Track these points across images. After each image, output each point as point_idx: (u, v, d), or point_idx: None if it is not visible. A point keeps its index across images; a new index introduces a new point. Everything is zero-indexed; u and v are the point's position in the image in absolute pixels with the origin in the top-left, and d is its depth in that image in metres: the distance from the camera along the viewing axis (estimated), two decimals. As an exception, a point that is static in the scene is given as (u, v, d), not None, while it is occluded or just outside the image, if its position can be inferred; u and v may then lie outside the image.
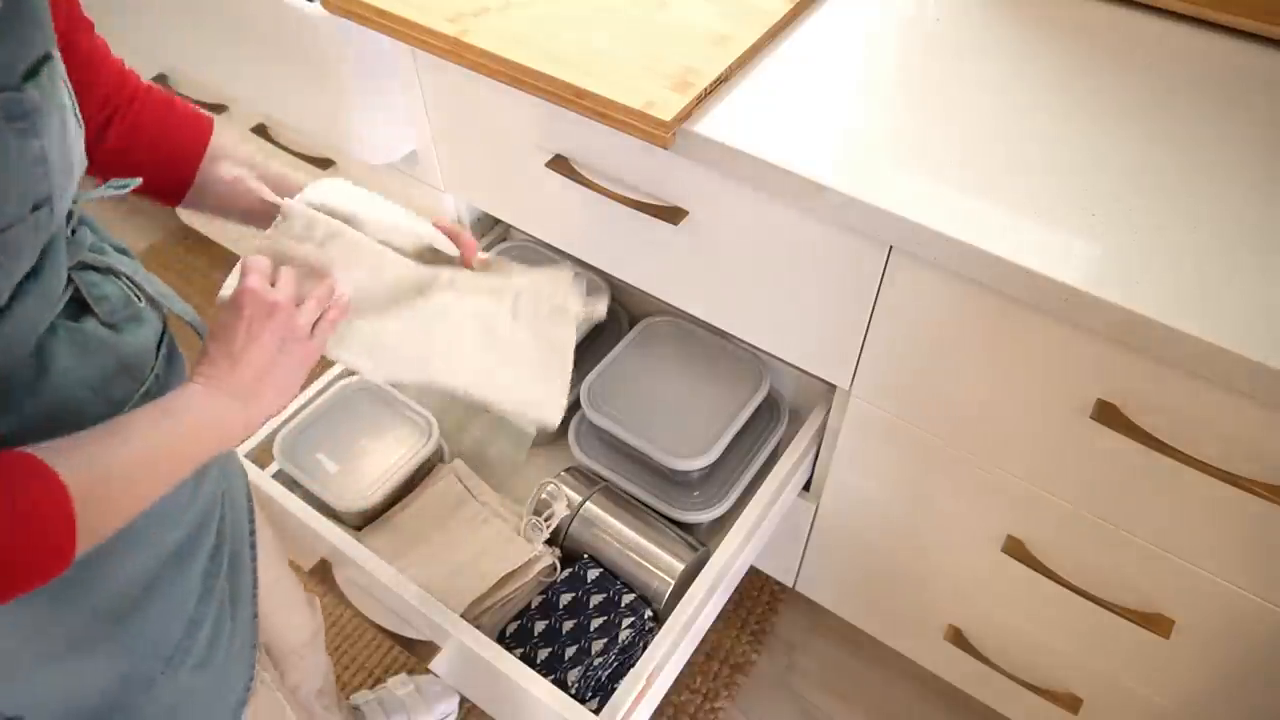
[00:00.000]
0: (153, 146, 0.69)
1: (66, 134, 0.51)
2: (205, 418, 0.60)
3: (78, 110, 0.54)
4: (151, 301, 0.66)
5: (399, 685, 1.38)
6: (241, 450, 1.13)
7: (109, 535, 0.54)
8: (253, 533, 0.85)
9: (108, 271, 0.62)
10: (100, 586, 0.62)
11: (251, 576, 0.83)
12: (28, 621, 0.59)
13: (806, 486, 1.25)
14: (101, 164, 0.67)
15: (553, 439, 1.26)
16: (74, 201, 0.60)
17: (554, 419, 0.82)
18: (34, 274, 0.53)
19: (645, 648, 0.97)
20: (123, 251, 0.67)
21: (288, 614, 1.02)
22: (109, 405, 0.60)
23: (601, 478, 1.16)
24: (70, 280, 0.59)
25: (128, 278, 0.64)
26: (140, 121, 0.69)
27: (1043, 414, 0.91)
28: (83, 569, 0.59)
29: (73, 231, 0.60)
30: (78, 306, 0.60)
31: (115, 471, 0.54)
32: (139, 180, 0.65)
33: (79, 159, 0.53)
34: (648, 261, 1.14)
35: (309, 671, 1.09)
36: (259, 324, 0.64)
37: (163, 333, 0.67)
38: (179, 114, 0.71)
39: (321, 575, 1.08)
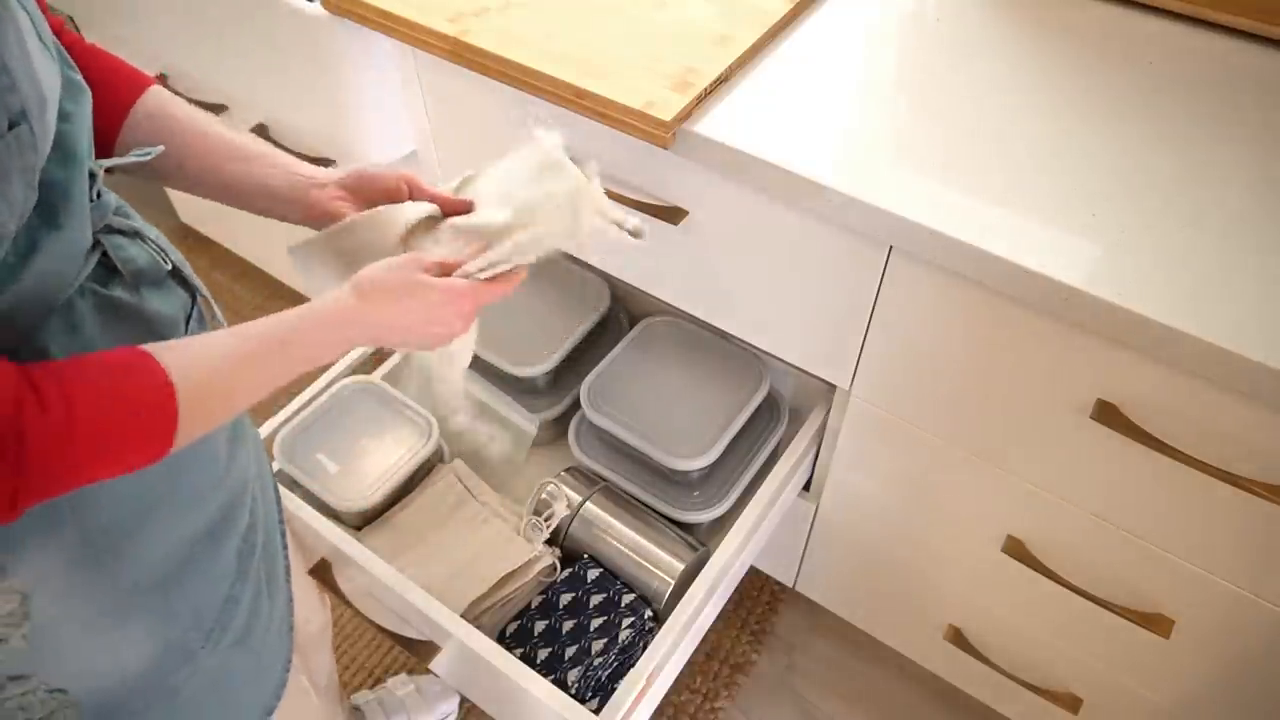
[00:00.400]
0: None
1: (28, 48, 0.49)
2: (333, 318, 0.64)
3: (46, 38, 0.53)
4: (177, 274, 0.67)
5: (399, 685, 1.37)
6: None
7: (213, 419, 0.58)
8: (282, 520, 0.86)
9: (134, 235, 0.63)
10: (136, 559, 0.63)
11: (285, 561, 0.84)
12: (69, 590, 0.60)
13: (806, 486, 1.25)
14: None
15: (553, 439, 1.26)
16: (98, 169, 0.60)
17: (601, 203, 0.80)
18: (53, 226, 0.53)
19: (645, 648, 0.97)
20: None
21: (299, 608, 1.02)
22: None
23: (601, 478, 1.16)
24: (98, 243, 0.59)
25: (154, 243, 0.65)
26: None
27: (1043, 414, 0.91)
28: (117, 543, 0.61)
29: (98, 194, 0.60)
30: (106, 272, 0.60)
31: (220, 351, 0.58)
32: (162, 147, 0.66)
33: (51, 82, 0.52)
34: (648, 261, 1.14)
35: (316, 668, 1.09)
36: (447, 310, 0.69)
37: (192, 307, 0.68)
38: (113, 67, 0.71)
39: (322, 575, 1.08)
